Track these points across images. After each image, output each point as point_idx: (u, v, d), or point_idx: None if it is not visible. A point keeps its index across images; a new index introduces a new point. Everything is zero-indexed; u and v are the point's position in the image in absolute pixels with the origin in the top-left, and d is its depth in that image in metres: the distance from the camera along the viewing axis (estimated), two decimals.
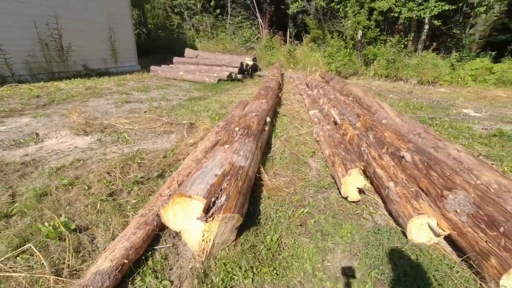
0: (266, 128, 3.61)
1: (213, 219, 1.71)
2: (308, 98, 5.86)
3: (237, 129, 3.04)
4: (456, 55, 13.38)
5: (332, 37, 14.84)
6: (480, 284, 1.72)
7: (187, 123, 4.26)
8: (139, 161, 3.17)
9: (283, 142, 3.82)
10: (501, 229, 1.74)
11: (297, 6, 16.61)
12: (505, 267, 1.60)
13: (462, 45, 15.21)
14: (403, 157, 2.83)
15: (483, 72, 12.37)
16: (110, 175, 2.84)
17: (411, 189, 2.30)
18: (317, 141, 3.76)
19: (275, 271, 1.80)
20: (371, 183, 2.84)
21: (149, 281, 1.70)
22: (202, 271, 1.76)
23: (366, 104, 5.24)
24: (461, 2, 13.84)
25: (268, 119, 3.79)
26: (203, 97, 6.83)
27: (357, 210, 2.45)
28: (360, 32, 14.60)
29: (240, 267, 1.80)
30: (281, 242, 2.05)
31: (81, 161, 3.18)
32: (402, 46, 13.60)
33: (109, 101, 6.13)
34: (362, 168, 2.58)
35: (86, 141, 3.81)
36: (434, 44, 15.12)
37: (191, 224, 1.82)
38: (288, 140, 3.88)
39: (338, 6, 14.65)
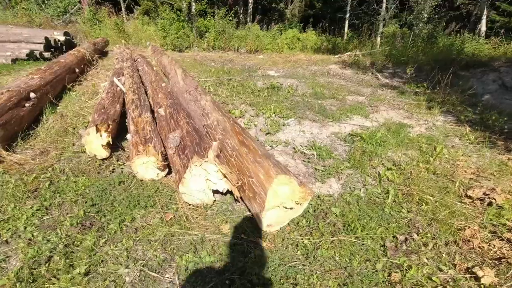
0: (28, 104, 3.30)
1: None
2: (113, 71, 5.65)
3: None
4: (278, 27, 15.63)
5: (164, 10, 14.47)
6: (176, 196, 2.25)
7: None
8: None
9: (59, 117, 3.60)
10: (186, 152, 2.28)
11: None
12: (181, 179, 2.12)
13: (286, 18, 17.89)
14: (159, 112, 3.21)
15: (294, 40, 15.03)
16: None
17: (146, 137, 2.66)
18: None
19: None
20: None
21: None
22: None
23: (167, 72, 5.55)
24: None
25: (33, 95, 3.46)
26: None
27: (104, 166, 2.66)
28: (193, 5, 14.86)
29: None
30: None
31: None
32: (230, 18, 14.75)
33: None
34: (107, 126, 2.75)
35: None
36: (258, 17, 17.12)
37: None
38: (65, 115, 3.69)
39: None
